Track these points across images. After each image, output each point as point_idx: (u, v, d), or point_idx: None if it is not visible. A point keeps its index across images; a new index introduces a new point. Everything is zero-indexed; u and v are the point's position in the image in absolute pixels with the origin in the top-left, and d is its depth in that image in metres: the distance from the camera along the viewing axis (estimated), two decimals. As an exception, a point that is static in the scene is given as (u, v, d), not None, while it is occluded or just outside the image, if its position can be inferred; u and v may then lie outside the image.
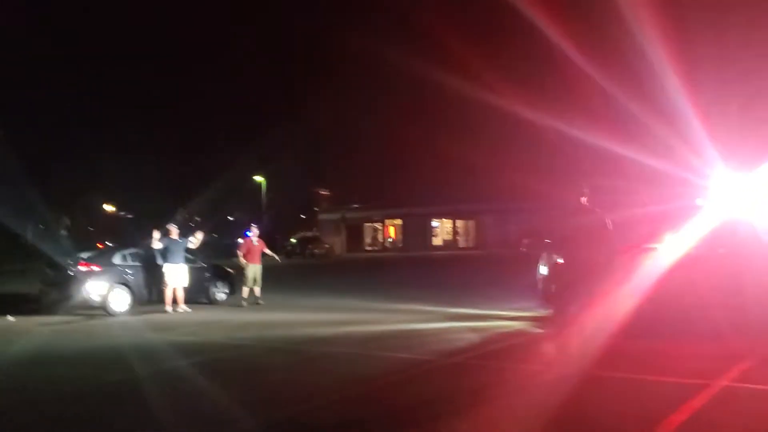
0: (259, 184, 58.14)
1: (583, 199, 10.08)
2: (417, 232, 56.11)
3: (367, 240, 61.17)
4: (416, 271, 28.86)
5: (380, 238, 61.06)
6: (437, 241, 57.06)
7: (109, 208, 66.01)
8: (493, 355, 8.56)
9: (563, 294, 10.06)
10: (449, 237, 57.39)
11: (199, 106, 76.64)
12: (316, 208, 66.46)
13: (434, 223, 57.59)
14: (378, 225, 61.02)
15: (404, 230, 58.39)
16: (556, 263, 10.41)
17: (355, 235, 60.77)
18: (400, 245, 57.63)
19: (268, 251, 16.68)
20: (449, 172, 53.28)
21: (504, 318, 11.70)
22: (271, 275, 16.84)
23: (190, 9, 76.58)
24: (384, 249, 58.76)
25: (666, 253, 9.73)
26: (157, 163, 64.81)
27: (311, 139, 63.71)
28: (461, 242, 56.54)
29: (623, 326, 8.88)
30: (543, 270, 11.29)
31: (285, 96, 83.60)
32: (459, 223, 57.28)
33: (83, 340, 10.96)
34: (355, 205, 61.17)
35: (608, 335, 8.68)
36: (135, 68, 73.62)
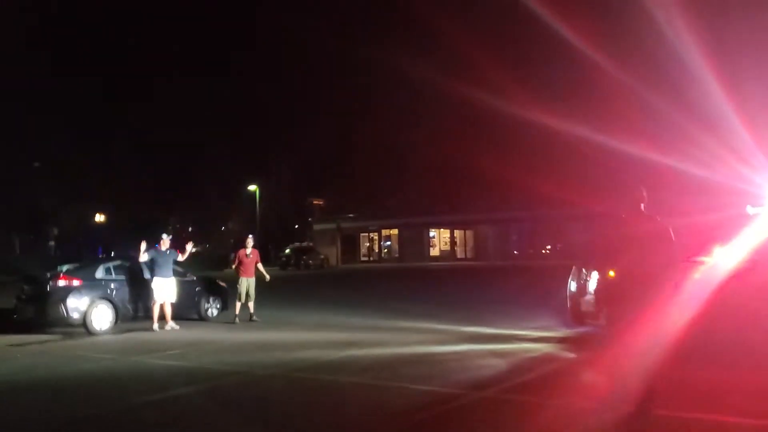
0: (253, 194, 56.98)
1: (642, 206, 8.93)
2: (414, 242, 54.93)
3: (363, 250, 59.92)
4: (417, 284, 27.66)
5: (376, 248, 59.82)
6: (435, 252, 55.85)
7: (99, 218, 64.62)
8: (530, 387, 7.38)
9: (609, 313, 8.90)
10: (447, 247, 56.19)
11: (193, 113, 75.43)
12: (310, 219, 65.24)
13: (432, 233, 56.41)
14: (374, 235, 59.80)
15: (401, 240, 57.17)
16: (605, 277, 9.25)
17: (350, 245, 59.53)
18: (397, 255, 56.43)
19: (260, 266, 15.41)
20: (447, 180, 52.33)
21: (527, 339, 10.55)
22: (264, 288, 15.63)
23: (183, 14, 75.57)
24: (380, 260, 57.51)
25: (717, 266, 8.63)
26: (149, 171, 63.89)
27: (306, 147, 62.73)
28: (459, 253, 55.37)
29: (673, 352, 7.76)
30: (573, 286, 10.16)
31: (279, 105, 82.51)
32: (457, 233, 56.11)
33: (57, 364, 9.72)
34: (351, 215, 59.96)
35: (656, 362, 7.54)
36: (127, 73, 72.43)
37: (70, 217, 66.68)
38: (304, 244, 56.07)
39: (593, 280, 9.61)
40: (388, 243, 59.79)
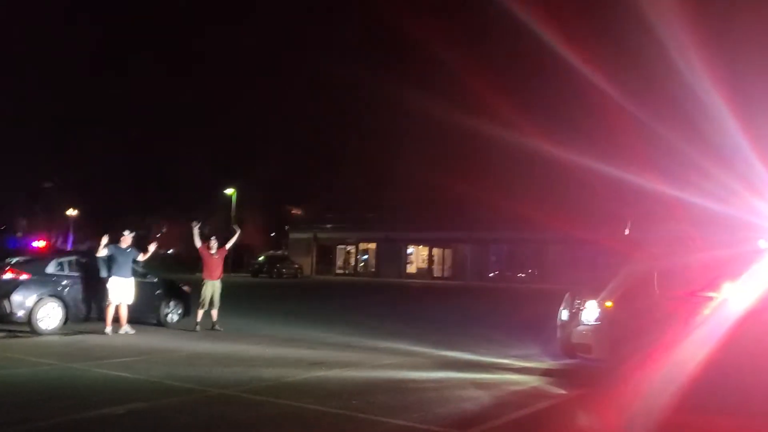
0: (229, 198, 55.77)
1: (627, 231, 8.17)
2: (391, 257, 53.94)
3: (339, 263, 58.79)
4: (393, 300, 26.69)
5: (352, 261, 58.72)
6: (412, 269, 54.90)
7: (72, 212, 62.99)
8: (519, 428, 6.49)
9: (605, 347, 8.08)
10: (424, 265, 55.25)
11: (172, 113, 74.18)
12: (287, 227, 64.02)
13: (410, 249, 55.48)
14: (351, 248, 58.72)
15: (378, 255, 56.15)
16: (602, 308, 8.42)
17: (326, 256, 58.42)
18: (373, 270, 55.38)
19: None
20: (428, 198, 51.57)
21: (510, 369, 9.66)
22: (233, 295, 14.60)
23: (171, 15, 74.45)
24: (356, 273, 56.41)
25: (728, 302, 7.85)
26: (125, 169, 62.53)
27: (286, 155, 61.78)
28: (436, 271, 54.45)
29: (676, 394, 6.96)
30: (564, 315, 9.32)
31: (259, 110, 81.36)
32: (435, 251, 55.18)
33: (-14, 368, 8.64)
34: (328, 226, 58.90)
35: (657, 405, 6.74)
36: (106, 69, 71.15)
37: (42, 210, 65.16)
38: (279, 252, 54.90)
39: (587, 310, 8.78)
40: (365, 257, 58.78)
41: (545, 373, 9.37)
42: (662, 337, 7.89)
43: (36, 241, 40.20)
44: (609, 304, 8.43)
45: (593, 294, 8.90)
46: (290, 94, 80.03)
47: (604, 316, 8.45)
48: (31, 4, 69.06)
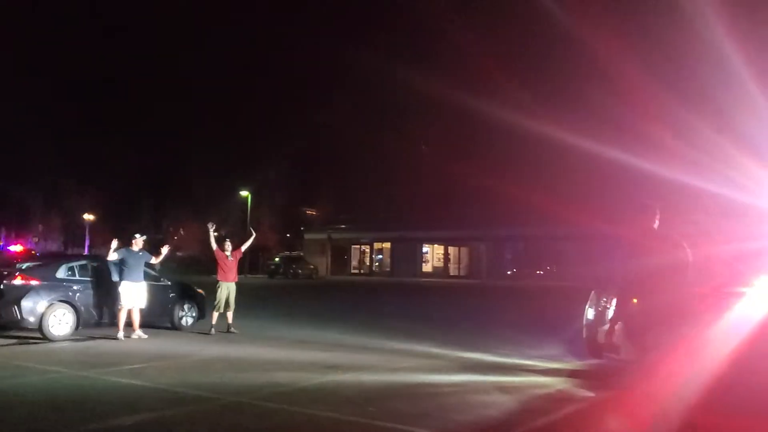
0: (244, 200, 55.68)
1: (656, 224, 7.75)
2: (406, 256, 53.61)
3: (354, 263, 58.53)
4: (410, 300, 26.38)
5: (367, 261, 58.44)
6: (427, 268, 54.55)
7: (88, 216, 63.21)
8: (548, 435, 6.15)
9: (632, 344, 7.68)
10: (440, 264, 54.88)
11: (187, 116, 74.33)
12: (302, 228, 63.87)
13: (425, 248, 55.10)
14: (365, 247, 58.45)
15: (393, 254, 55.84)
16: (628, 305, 8.02)
17: (341, 256, 58.21)
18: (388, 269, 55.08)
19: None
20: (443, 196, 51.22)
21: (534, 371, 9.30)
22: (249, 296, 14.33)
23: (183, 17, 74.55)
24: (371, 273, 56.14)
25: (759, 298, 7.45)
26: (139, 173, 62.65)
27: (299, 155, 61.57)
28: (452, 270, 54.06)
29: (708, 395, 6.59)
30: (590, 314, 8.94)
31: (275, 111, 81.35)
32: (451, 249, 54.80)
33: (-7, 377, 8.40)
34: (343, 226, 58.68)
35: (688, 406, 6.38)
36: (120, 76, 71.34)
37: (57, 214, 65.48)
38: (294, 253, 54.74)
39: (614, 308, 8.39)
40: (380, 256, 58.50)
41: (571, 374, 9.01)
42: (692, 334, 7.51)
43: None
44: (635, 300, 8.02)
45: (619, 291, 8.50)
46: (304, 95, 79.92)
47: (631, 314, 8.05)
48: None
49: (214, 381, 8.25)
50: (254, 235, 14.74)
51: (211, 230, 13.84)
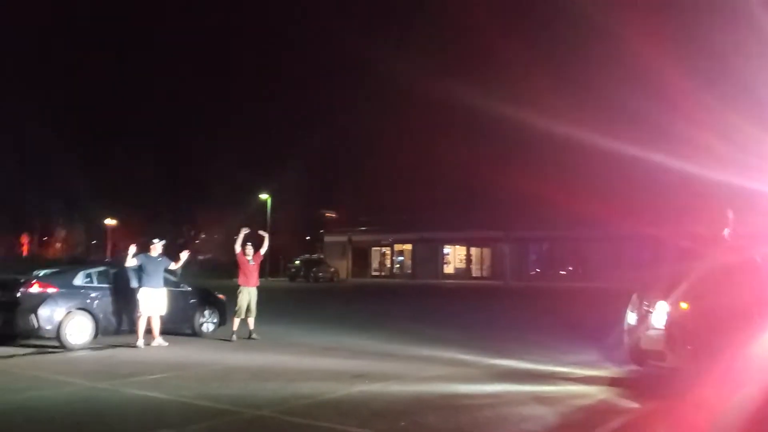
0: (264, 203, 55.55)
1: (726, 231, 7.26)
2: (428, 258, 53.08)
3: (375, 265, 58.07)
4: (433, 303, 25.90)
5: (388, 263, 57.97)
6: (449, 269, 53.94)
7: (111, 222, 63.47)
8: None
9: (682, 352, 7.22)
10: (462, 265, 54.25)
11: (206, 120, 74.48)
12: (322, 230, 63.55)
13: (446, 249, 54.52)
14: (386, 249, 57.99)
15: (414, 256, 55.32)
16: (677, 310, 7.55)
17: (361, 259, 57.75)
18: (409, 271, 54.57)
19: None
20: (464, 196, 50.68)
21: (572, 379, 8.82)
22: (270, 301, 13.97)
23: (199, 19, 74.69)
24: (392, 275, 55.67)
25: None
26: (160, 177, 62.79)
27: (320, 157, 61.34)
28: (475, 271, 53.39)
29: (760, 406, 6.12)
30: (632, 318, 8.45)
31: (294, 113, 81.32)
32: (473, 250, 54.13)
33: (7, 388, 8.08)
34: (363, 228, 58.29)
35: (745, 419, 5.90)
36: (140, 79, 71.62)
37: (80, 219, 65.86)
38: (315, 256, 54.43)
39: (658, 313, 7.91)
40: (401, 258, 58.03)
41: (612, 382, 8.52)
42: (744, 342, 7.03)
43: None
44: (684, 305, 7.55)
45: (663, 294, 8.02)
46: (326, 97, 79.73)
47: (679, 319, 7.58)
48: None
49: (235, 393, 7.88)
50: (266, 237, 14.33)
51: (242, 234, 13.47)
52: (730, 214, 6.87)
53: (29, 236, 64.81)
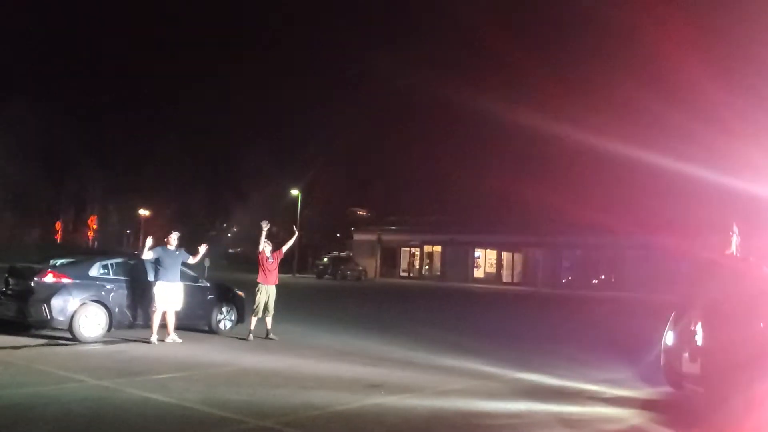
0: (294, 199, 55.40)
1: (734, 246, 6.63)
2: (457, 261, 52.37)
3: (403, 265, 57.50)
4: (460, 308, 25.30)
5: (417, 263, 57.35)
6: (479, 273, 53.16)
7: (144, 212, 64.00)
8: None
9: (723, 378, 6.61)
10: (492, 270, 53.41)
11: (240, 116, 74.75)
12: (353, 228, 63.19)
13: (477, 252, 53.73)
14: (416, 250, 57.37)
15: (444, 258, 54.63)
16: (721, 330, 6.93)
17: (390, 258, 57.24)
18: (438, 273, 53.89)
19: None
20: (497, 199, 49.91)
21: (601, 399, 8.24)
22: (295, 297, 13.55)
23: (236, 15, 74.95)
24: (421, 276, 55.07)
25: None
26: (193, 171, 63.17)
27: (352, 154, 61.03)
28: (505, 276, 52.50)
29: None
30: (670, 338, 7.83)
31: (327, 111, 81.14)
32: (504, 255, 53.23)
33: (8, 383, 7.75)
34: (393, 227, 57.79)
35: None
36: (177, 73, 72.13)
37: (115, 209, 66.56)
38: (343, 254, 54.08)
39: (698, 334, 7.28)
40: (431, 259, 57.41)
41: (644, 405, 7.91)
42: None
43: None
44: (727, 325, 6.93)
45: (704, 314, 7.39)
46: (355, 96, 79.45)
47: (721, 340, 6.95)
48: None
49: (242, 399, 7.45)
50: (296, 234, 13.95)
51: (265, 229, 13.05)
52: (735, 229, 6.26)
53: (64, 224, 65.61)
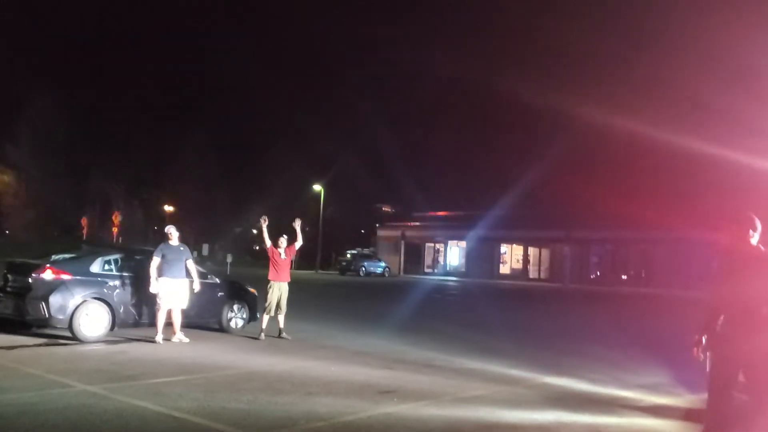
0: (318, 194, 54.92)
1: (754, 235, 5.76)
2: (483, 256, 51.36)
3: (428, 261, 56.65)
4: (486, 305, 24.42)
5: (441, 260, 56.47)
6: (505, 269, 52.11)
7: (168, 208, 64.02)
8: None
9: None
10: (519, 265, 52.33)
11: (265, 110, 74.48)
12: (377, 224, 62.51)
13: (503, 248, 52.69)
14: (440, 246, 56.50)
15: (468, 254, 53.66)
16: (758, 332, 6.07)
17: (414, 255, 56.42)
18: (463, 270, 52.94)
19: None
20: (524, 193, 48.83)
21: (639, 408, 7.41)
22: (315, 294, 12.92)
23: (267, 16, 74.66)
24: (445, 272, 54.17)
25: None
26: (218, 167, 63.04)
27: (376, 150, 60.34)
28: (532, 272, 51.39)
29: None
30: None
31: (352, 105, 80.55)
32: (531, 250, 52.12)
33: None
34: (417, 223, 56.99)
35: None
36: (200, 72, 72.12)
37: (139, 205, 66.74)
38: (366, 250, 53.42)
39: (741, 336, 6.41)
40: (455, 255, 56.47)
41: (687, 415, 7.08)
42: None
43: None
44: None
45: (746, 314, 6.52)
46: (381, 91, 78.85)
47: (764, 343, 6.10)
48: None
49: (241, 407, 6.76)
50: (298, 227, 13.01)
51: (264, 225, 12.44)
52: (756, 220, 5.42)
53: (89, 220, 65.75)
